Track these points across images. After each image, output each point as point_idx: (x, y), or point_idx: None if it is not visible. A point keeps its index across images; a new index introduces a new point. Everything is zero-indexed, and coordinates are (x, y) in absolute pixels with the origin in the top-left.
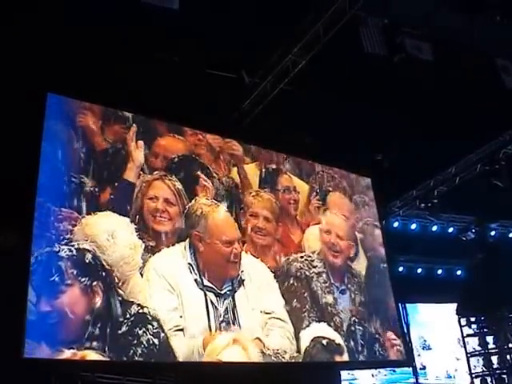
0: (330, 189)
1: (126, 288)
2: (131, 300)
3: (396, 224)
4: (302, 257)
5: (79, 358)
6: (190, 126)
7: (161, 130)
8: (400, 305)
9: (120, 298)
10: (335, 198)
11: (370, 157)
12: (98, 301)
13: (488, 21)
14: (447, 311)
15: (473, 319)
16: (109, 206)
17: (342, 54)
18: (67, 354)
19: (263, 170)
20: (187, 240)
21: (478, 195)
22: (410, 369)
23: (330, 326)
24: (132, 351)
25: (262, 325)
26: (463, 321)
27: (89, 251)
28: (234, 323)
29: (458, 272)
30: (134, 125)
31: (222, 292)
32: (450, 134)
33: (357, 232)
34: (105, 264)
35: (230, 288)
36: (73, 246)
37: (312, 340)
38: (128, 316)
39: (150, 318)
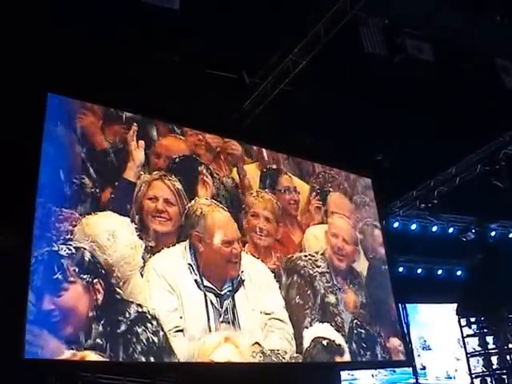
0: (331, 189)
1: (127, 288)
2: (131, 300)
3: (396, 224)
4: (305, 256)
5: (79, 358)
6: (190, 126)
7: (161, 130)
8: (400, 305)
9: (119, 297)
10: (335, 199)
11: (370, 157)
12: (100, 298)
13: (488, 21)
14: (447, 311)
15: (473, 319)
16: (109, 206)
17: (343, 55)
18: (67, 354)
19: (263, 171)
20: (187, 240)
21: (478, 195)
22: (410, 369)
23: (332, 326)
24: (132, 349)
25: (262, 326)
26: (463, 321)
27: (87, 250)
28: (233, 324)
29: (458, 272)
30: (135, 124)
31: (222, 292)
32: (450, 134)
33: (357, 232)
34: (105, 263)
35: (230, 288)
36: (71, 245)
37: (312, 340)
38: (127, 315)
39: (150, 317)
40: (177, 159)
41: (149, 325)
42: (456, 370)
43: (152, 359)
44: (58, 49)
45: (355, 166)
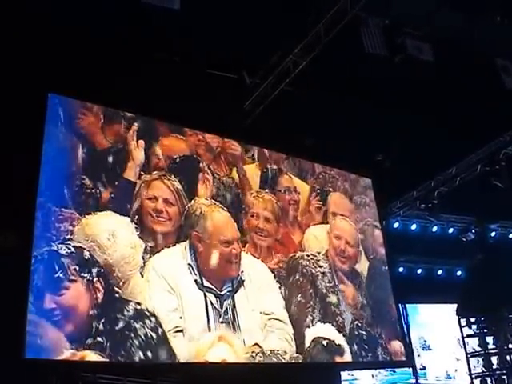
0: (331, 189)
1: (127, 288)
2: (130, 299)
3: (396, 224)
4: (308, 255)
5: (79, 358)
6: (190, 126)
7: (162, 130)
8: (400, 305)
9: (118, 296)
10: (336, 199)
11: (371, 157)
12: (100, 297)
13: (488, 21)
14: (447, 312)
15: (473, 320)
16: (109, 206)
17: (343, 55)
18: (67, 354)
19: (264, 171)
20: (187, 240)
21: (479, 196)
22: (410, 369)
23: (333, 326)
24: (129, 344)
25: (262, 326)
26: (463, 321)
27: (87, 249)
28: (233, 324)
29: (458, 273)
30: (135, 124)
31: (222, 293)
32: (450, 135)
33: (358, 233)
34: (105, 263)
35: (230, 289)
36: (70, 244)
37: (312, 340)
38: (126, 313)
39: (148, 314)
40: (177, 159)
41: (147, 321)
42: (456, 370)
43: (149, 354)
44: (58, 49)
45: (355, 167)
